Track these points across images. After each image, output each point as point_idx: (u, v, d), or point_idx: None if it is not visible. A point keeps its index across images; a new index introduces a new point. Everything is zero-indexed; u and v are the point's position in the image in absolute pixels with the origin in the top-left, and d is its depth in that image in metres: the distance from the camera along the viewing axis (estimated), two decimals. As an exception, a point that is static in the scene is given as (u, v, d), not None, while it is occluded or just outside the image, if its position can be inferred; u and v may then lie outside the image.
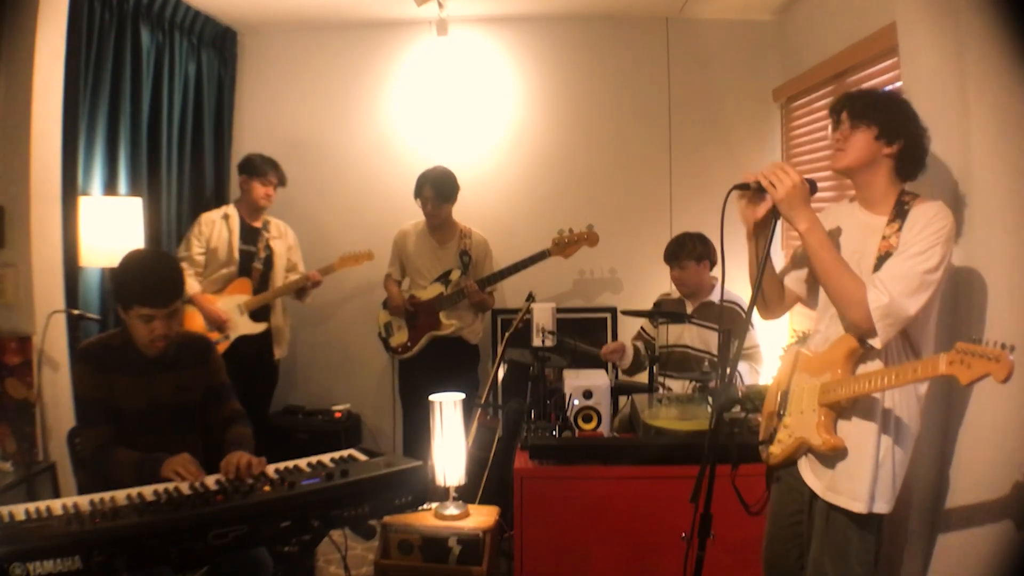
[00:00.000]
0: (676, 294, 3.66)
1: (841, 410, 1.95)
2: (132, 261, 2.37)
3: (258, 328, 3.91)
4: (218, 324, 3.77)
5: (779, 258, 4.25)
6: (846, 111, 1.97)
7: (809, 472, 2.03)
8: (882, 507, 1.92)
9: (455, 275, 3.93)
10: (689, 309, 3.56)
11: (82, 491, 2.47)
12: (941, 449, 2.15)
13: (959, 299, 2.18)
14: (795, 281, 2.24)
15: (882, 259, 1.90)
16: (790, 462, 2.08)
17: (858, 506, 1.91)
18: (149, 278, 2.30)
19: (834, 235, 2.09)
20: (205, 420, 2.49)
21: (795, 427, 2.02)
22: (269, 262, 3.97)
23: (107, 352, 2.38)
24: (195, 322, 3.77)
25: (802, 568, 2.10)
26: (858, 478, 1.91)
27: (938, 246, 1.83)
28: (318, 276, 3.99)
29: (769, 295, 2.20)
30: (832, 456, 1.95)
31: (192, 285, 3.74)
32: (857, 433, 1.93)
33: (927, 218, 1.86)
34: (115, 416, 2.34)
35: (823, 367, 1.98)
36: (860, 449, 1.92)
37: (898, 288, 1.81)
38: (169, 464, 2.16)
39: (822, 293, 2.09)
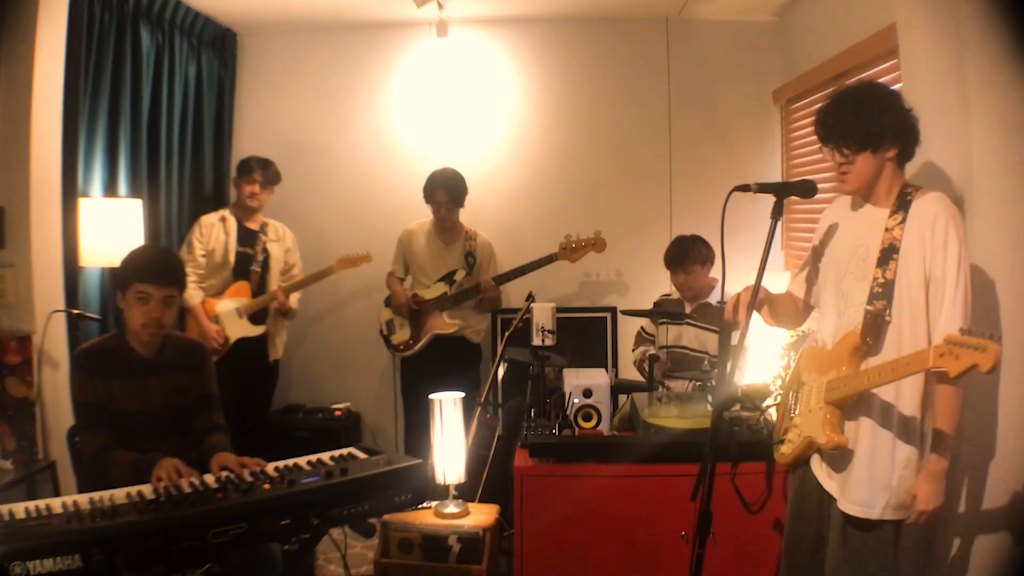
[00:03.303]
0: (676, 294, 3.65)
1: (848, 411, 1.94)
2: (136, 248, 2.54)
3: (257, 331, 3.91)
4: (213, 346, 3.69)
5: (779, 258, 4.26)
6: (843, 146, 1.91)
7: (824, 474, 2.03)
8: (896, 513, 1.89)
9: (459, 276, 3.94)
10: (687, 310, 3.55)
11: (82, 491, 2.45)
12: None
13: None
14: (796, 286, 2.24)
15: (886, 252, 1.89)
16: (801, 461, 2.08)
17: (873, 513, 1.90)
18: (150, 257, 2.42)
19: (835, 233, 2.09)
20: (193, 424, 2.49)
21: (804, 426, 2.02)
22: (266, 265, 3.96)
23: (103, 355, 2.39)
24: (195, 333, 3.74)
25: (821, 561, 2.07)
26: (869, 485, 1.90)
27: (960, 257, 1.83)
28: (281, 298, 3.88)
29: (781, 311, 2.22)
30: (841, 457, 1.95)
31: (193, 295, 3.74)
32: (869, 440, 1.92)
33: (932, 228, 1.84)
34: (113, 419, 2.34)
35: (830, 364, 1.98)
36: (872, 456, 1.91)
37: (961, 314, 1.82)
38: (158, 469, 2.13)
39: (825, 291, 2.10)
